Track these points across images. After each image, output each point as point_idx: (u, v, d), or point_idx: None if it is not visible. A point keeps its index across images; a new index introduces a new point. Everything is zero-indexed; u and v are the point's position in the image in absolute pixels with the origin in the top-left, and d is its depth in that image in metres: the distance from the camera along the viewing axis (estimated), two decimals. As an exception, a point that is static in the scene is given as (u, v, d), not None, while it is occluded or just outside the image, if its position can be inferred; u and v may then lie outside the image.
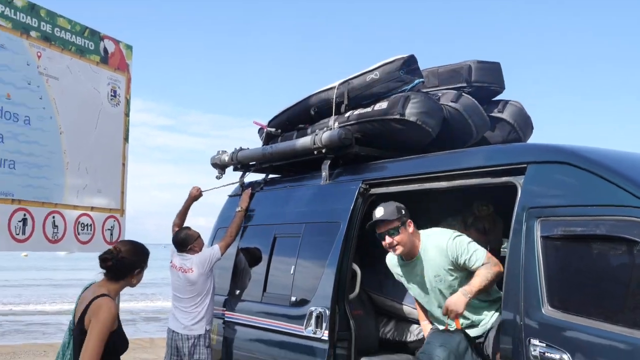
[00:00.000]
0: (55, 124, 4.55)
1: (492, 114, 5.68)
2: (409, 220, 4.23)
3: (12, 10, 4.29)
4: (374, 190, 5.05)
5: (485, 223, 5.41)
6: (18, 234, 4.29)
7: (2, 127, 4.20)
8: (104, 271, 3.88)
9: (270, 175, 6.64)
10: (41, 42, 4.49)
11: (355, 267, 5.07)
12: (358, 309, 5.32)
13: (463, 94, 5.52)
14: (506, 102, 5.80)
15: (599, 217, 3.47)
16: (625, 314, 3.31)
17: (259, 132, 6.87)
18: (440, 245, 4.16)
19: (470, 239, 4.15)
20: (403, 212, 4.21)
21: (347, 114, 5.57)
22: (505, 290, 3.80)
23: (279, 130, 6.48)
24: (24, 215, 4.32)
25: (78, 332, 3.70)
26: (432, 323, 4.47)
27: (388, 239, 4.17)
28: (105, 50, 5.03)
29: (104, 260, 3.83)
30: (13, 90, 4.27)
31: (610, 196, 3.46)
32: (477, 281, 3.95)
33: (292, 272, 5.48)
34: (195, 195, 6.64)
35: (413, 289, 4.41)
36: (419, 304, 4.54)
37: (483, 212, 5.43)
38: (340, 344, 4.90)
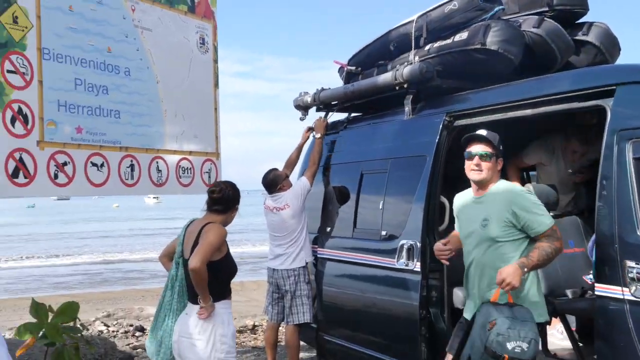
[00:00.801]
0: (152, 74, 4.80)
1: (577, 38, 5.54)
2: (501, 159, 4.00)
3: (106, -33, 4.52)
4: (458, 122, 5.08)
5: (589, 133, 5.25)
6: (127, 179, 4.61)
7: (106, 79, 4.47)
8: (206, 209, 4.28)
9: (353, 114, 6.74)
10: (134, -5, 4.72)
11: (444, 199, 5.15)
12: (449, 240, 5.41)
13: (545, 18, 5.41)
14: (591, 24, 5.64)
15: (694, 134, 3.43)
16: None
17: (339, 71, 6.94)
18: (510, 191, 3.87)
19: (541, 203, 3.84)
20: (501, 147, 3.98)
21: (427, 47, 5.56)
22: (598, 215, 3.81)
23: (359, 69, 6.53)
24: (131, 161, 4.63)
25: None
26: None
27: (477, 160, 3.90)
28: (192, -1, 5.22)
29: (213, 192, 4.22)
30: (113, 44, 4.52)
31: None
32: (537, 254, 3.64)
33: (380, 207, 5.60)
34: (306, 135, 6.83)
35: (461, 226, 4.11)
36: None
37: (588, 120, 5.18)
38: (432, 275, 5.00)
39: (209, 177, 5.18)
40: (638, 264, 3.51)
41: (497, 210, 3.79)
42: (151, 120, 4.78)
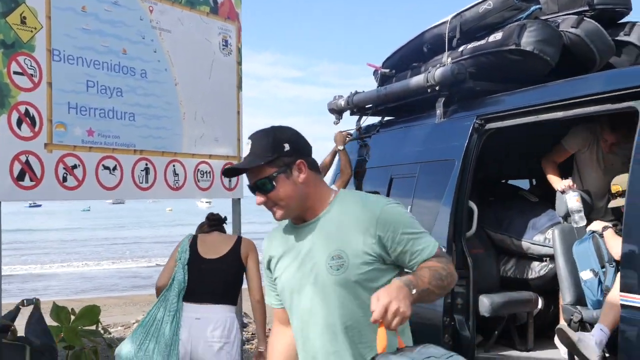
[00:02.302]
0: (170, 75, 4.73)
1: (618, 38, 5.28)
2: (301, 160, 2.32)
3: (123, -34, 4.47)
4: (489, 125, 4.90)
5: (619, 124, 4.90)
6: (142, 183, 4.54)
7: (120, 81, 4.42)
8: (208, 230, 4.54)
9: (386, 118, 6.60)
10: (152, -4, 4.66)
11: (472, 204, 4.97)
12: (478, 247, 5.25)
13: (585, 18, 5.17)
14: (633, 24, 5.35)
15: None
16: None
17: (374, 74, 6.82)
18: (370, 206, 2.31)
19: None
20: (286, 147, 2.29)
21: (460, 49, 5.40)
22: (627, 220, 3.59)
23: (393, 71, 6.40)
24: (146, 164, 4.56)
25: (228, 265, 4.29)
26: None
27: (258, 198, 2.32)
28: (215, 0, 5.14)
29: (225, 219, 4.61)
30: (128, 45, 4.46)
31: None
32: (428, 275, 2.15)
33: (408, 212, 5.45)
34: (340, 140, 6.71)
35: (283, 280, 2.43)
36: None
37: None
38: (458, 282, 4.81)
39: (230, 181, 5.08)
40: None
41: (351, 237, 2.27)
42: (168, 123, 4.71)
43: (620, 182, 4.44)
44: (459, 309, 4.81)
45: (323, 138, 6.68)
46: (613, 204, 4.54)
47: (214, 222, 4.53)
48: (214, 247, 4.32)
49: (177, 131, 4.77)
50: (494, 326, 5.11)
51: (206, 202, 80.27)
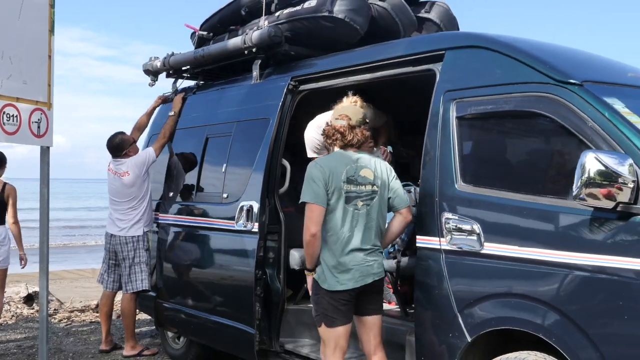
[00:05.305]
0: (-26, 8, 4.39)
1: (419, 15, 5.75)
2: None
3: None
4: (302, 87, 5.13)
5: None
6: (-63, 123, 4.19)
7: None
8: None
9: (202, 81, 6.62)
10: None
11: (285, 162, 5.18)
12: (288, 206, 5.43)
13: (391, -8, 5.56)
14: (433, 2, 5.87)
15: (509, 94, 3.63)
16: (530, 183, 3.53)
17: (191, 36, 6.82)
18: None
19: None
20: None
21: (277, 13, 5.58)
22: (423, 170, 3.97)
23: (211, 34, 6.46)
24: (-56, 102, 4.21)
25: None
26: None
27: None
28: None
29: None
30: None
31: (519, 75, 3.63)
32: None
33: (223, 170, 5.57)
34: (158, 101, 6.71)
35: None
36: None
37: None
38: (270, 237, 5.05)
39: (38, 127, 4.84)
40: (454, 216, 3.70)
41: None
42: (-28, 59, 4.37)
43: None
44: (271, 262, 5.02)
45: (135, 120, 6.60)
46: None
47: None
48: None
49: (-20, 68, 4.44)
50: (302, 280, 5.35)
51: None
